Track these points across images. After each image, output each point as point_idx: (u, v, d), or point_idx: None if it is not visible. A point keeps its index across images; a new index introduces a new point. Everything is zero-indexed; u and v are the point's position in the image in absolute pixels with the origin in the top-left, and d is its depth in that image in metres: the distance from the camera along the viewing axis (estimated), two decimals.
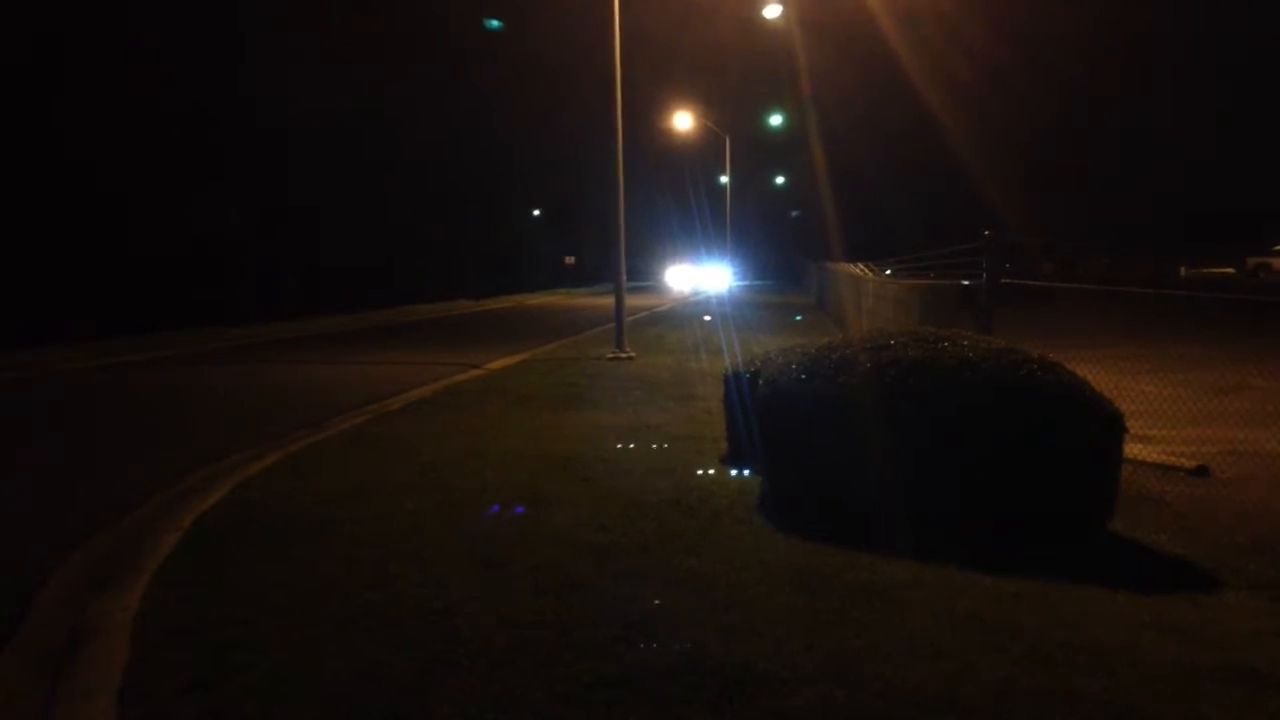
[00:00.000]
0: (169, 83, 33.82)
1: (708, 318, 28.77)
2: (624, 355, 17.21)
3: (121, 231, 32.61)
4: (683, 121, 44.42)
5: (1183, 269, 57.78)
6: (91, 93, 31.61)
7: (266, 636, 4.57)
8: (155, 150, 32.97)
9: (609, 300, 18.98)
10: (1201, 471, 7.49)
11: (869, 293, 18.60)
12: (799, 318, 29.08)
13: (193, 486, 7.88)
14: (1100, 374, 6.85)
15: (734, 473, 7.85)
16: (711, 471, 7.95)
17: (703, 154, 61.53)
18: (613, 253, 18.35)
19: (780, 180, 78.96)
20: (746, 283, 65.93)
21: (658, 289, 58.04)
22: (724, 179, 53.52)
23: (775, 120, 56.53)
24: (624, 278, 18.35)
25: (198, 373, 17.20)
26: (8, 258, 28.67)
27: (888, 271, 19.99)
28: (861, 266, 21.81)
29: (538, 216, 75.45)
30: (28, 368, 17.52)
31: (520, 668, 4.16)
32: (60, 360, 18.62)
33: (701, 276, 57.09)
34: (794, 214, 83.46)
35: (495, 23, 52.01)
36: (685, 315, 30.89)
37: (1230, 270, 59.59)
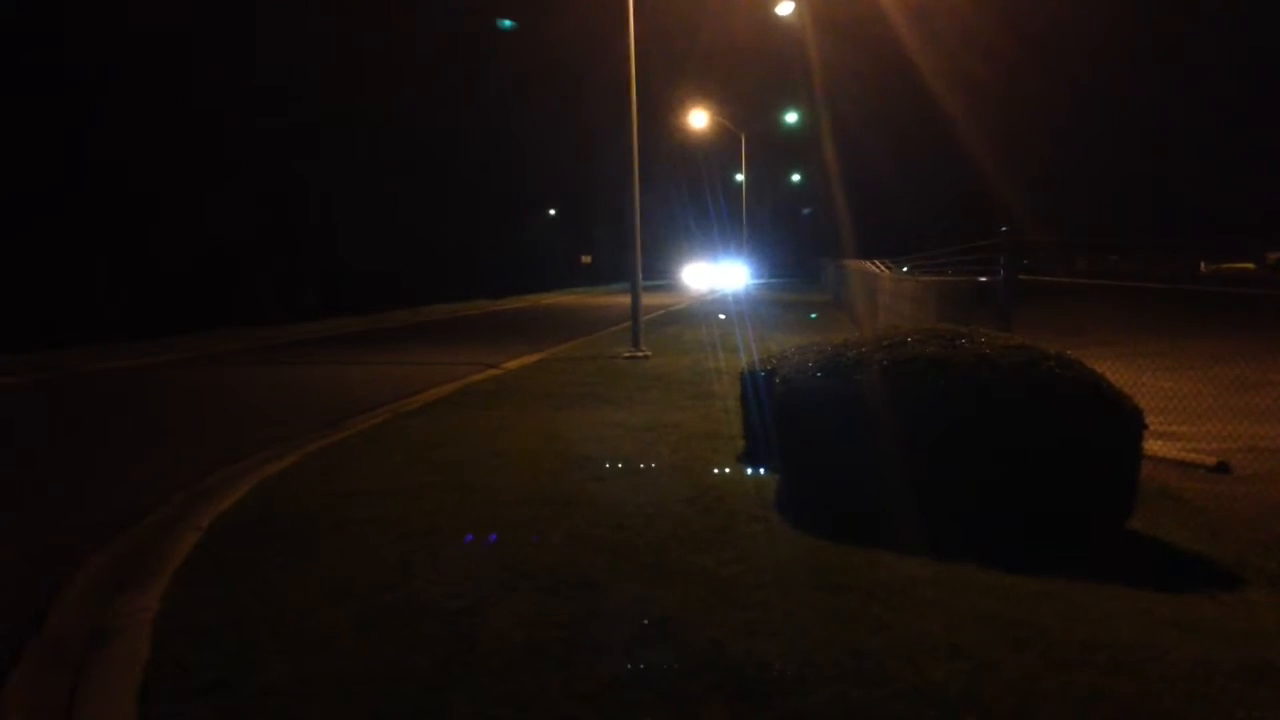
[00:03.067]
0: (185, 84, 34.01)
1: (724, 316, 28.74)
2: (640, 354, 17.21)
3: (140, 233, 32.79)
4: (698, 120, 44.43)
5: (1203, 264, 57.36)
6: (109, 94, 31.81)
7: (285, 636, 4.59)
8: (172, 152, 33.15)
9: (625, 299, 18.99)
10: (1222, 468, 7.44)
11: (885, 290, 18.54)
12: (814, 315, 29.02)
13: (212, 486, 7.92)
14: (1119, 370, 6.81)
15: (751, 471, 7.83)
16: (728, 470, 7.94)
17: (719, 152, 61.64)
18: (629, 251, 18.34)
19: (796, 178, 78.94)
20: (763, 281, 65.84)
21: (674, 287, 58.00)
22: (740, 177, 53.55)
23: (791, 118, 56.52)
24: (640, 276, 18.34)
25: (215, 374, 17.28)
26: (26, 262, 28.86)
27: (904, 269, 19.91)
28: (877, 264, 21.74)
29: (553, 216, 75.57)
30: (46, 369, 17.63)
31: (538, 667, 4.16)
32: (77, 362, 18.73)
33: (718, 274, 57.05)
34: (805, 211, 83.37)
35: (508, 23, 52.10)
36: (702, 313, 30.87)
37: (1250, 265, 59.13)
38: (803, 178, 78.48)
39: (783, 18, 29.83)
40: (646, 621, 4.61)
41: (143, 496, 7.66)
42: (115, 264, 31.66)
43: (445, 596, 5.04)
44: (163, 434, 11.12)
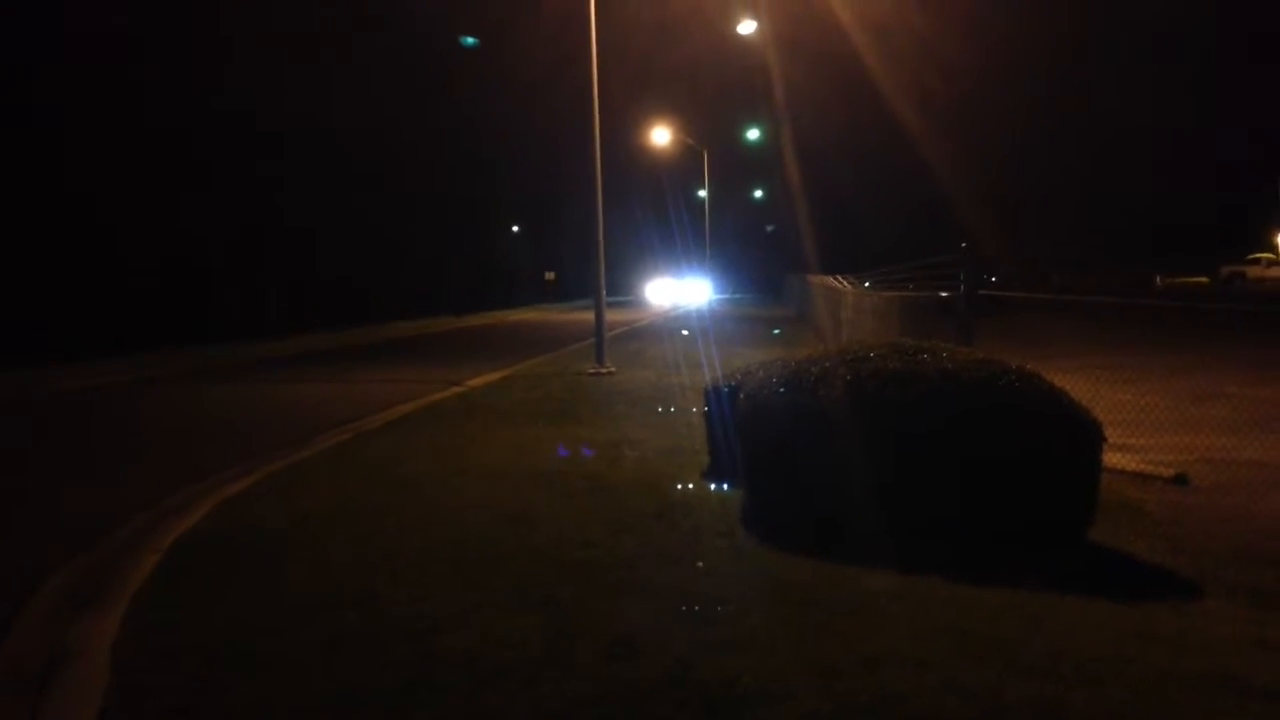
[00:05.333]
0: (150, 96, 33.66)
1: (687, 332, 28.79)
2: (605, 370, 17.20)
3: (103, 248, 32.32)
4: (661, 136, 44.67)
5: (1159, 279, 58.30)
6: (75, 103, 31.38)
7: (248, 658, 4.53)
8: (136, 165, 32.74)
9: (589, 315, 18.99)
10: (1180, 480, 7.54)
11: (848, 305, 18.68)
12: (777, 331, 29.13)
13: (173, 507, 7.82)
14: (1079, 383, 6.90)
15: (715, 486, 7.85)
16: (693, 486, 7.95)
17: (681, 168, 61.86)
18: (592, 268, 18.35)
19: (759, 194, 79.36)
20: (726, 296, 66.01)
21: (637, 303, 58.06)
22: (702, 193, 53.80)
23: (752, 134, 56.95)
24: (604, 293, 18.36)
25: (178, 393, 17.08)
26: None
27: (867, 284, 20.07)
28: (841, 279, 21.91)
29: (518, 233, 75.44)
30: (6, 389, 17.35)
31: (503, 687, 4.14)
32: (40, 382, 18.45)
33: (681, 290, 57.12)
34: (769, 228, 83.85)
35: (470, 40, 52.07)
36: (665, 329, 30.91)
37: (1204, 279, 60.17)
38: (765, 194, 78.97)
39: (744, 36, 30.12)
40: (614, 639, 4.60)
41: (102, 517, 7.55)
42: (76, 281, 31.14)
43: (410, 616, 5.00)
44: (122, 454, 10.98)
